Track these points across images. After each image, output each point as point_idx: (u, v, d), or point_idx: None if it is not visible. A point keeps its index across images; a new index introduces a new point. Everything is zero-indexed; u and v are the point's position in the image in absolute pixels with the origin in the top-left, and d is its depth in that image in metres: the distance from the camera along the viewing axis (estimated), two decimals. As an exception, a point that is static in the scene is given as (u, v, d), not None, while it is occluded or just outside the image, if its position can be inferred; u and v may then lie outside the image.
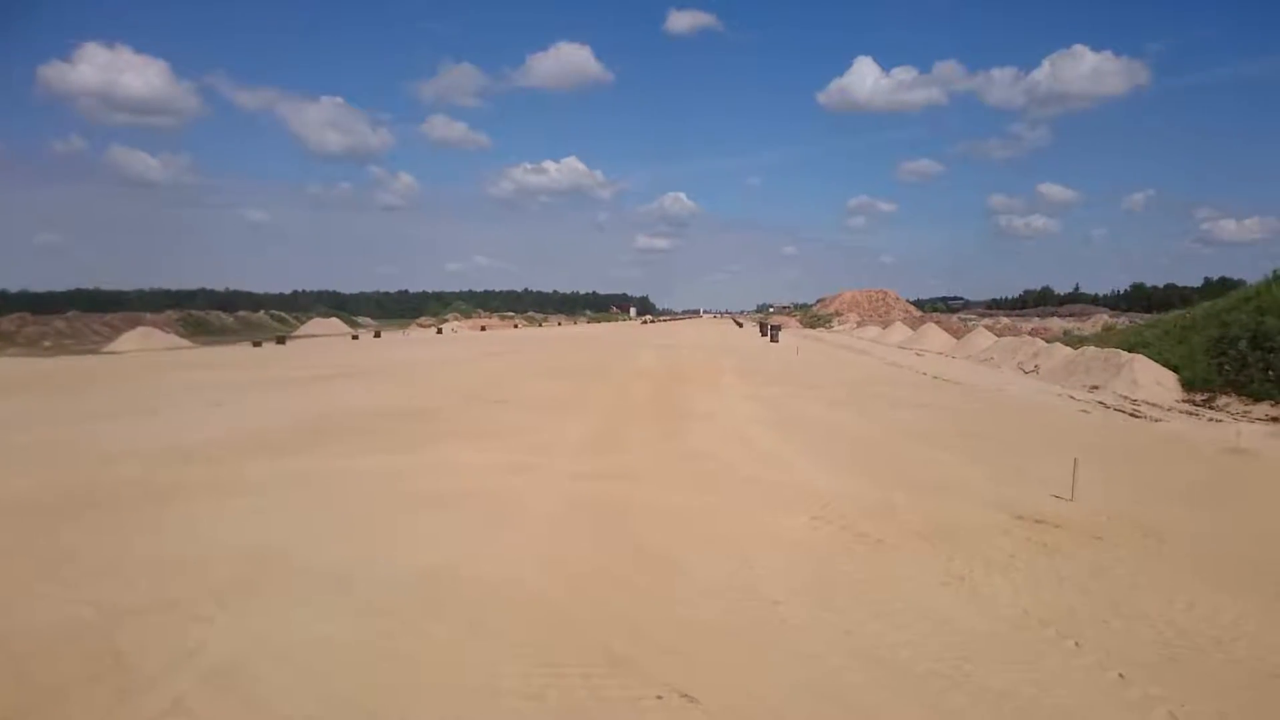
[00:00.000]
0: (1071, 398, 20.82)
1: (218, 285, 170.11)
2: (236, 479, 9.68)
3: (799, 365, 31.43)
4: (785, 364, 31.81)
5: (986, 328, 51.42)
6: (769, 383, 23.10)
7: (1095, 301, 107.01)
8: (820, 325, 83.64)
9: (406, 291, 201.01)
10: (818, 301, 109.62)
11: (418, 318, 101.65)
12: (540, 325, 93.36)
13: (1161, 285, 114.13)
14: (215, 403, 17.45)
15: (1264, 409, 18.23)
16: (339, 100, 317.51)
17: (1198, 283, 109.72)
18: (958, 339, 46.73)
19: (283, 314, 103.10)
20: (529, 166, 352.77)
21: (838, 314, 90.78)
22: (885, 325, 68.26)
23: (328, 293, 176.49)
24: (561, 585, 6.13)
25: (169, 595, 5.80)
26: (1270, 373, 19.61)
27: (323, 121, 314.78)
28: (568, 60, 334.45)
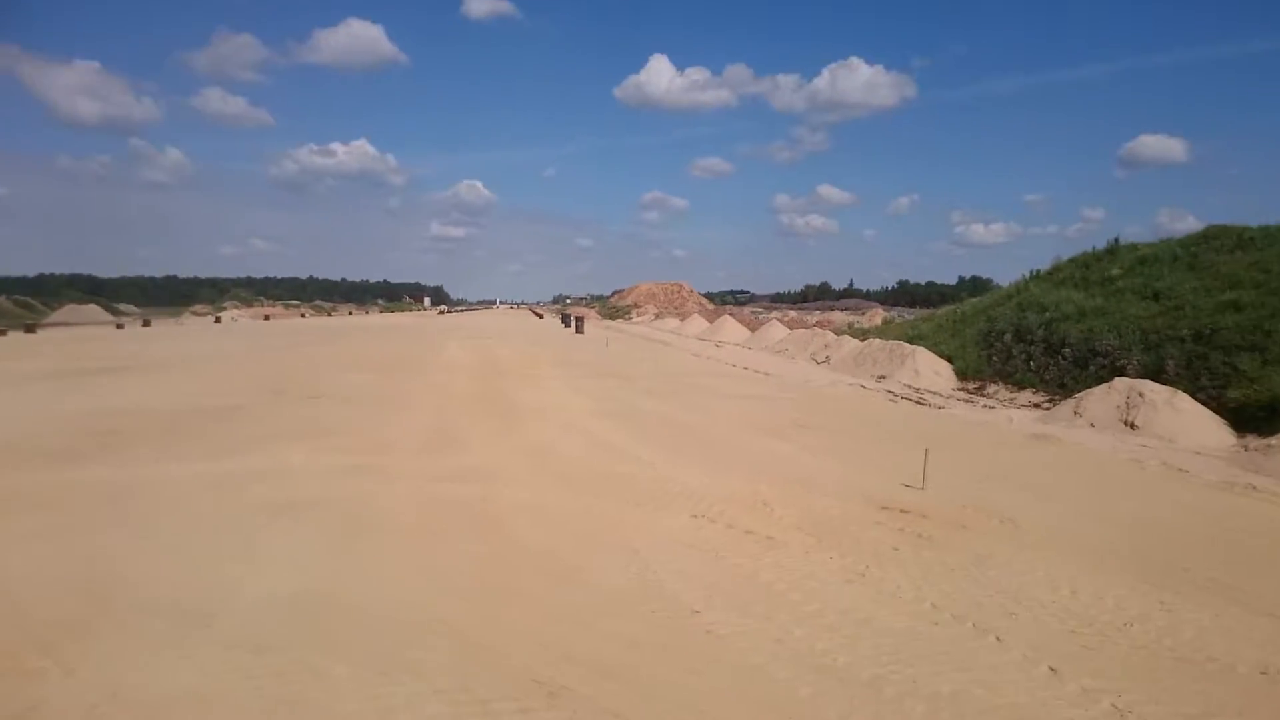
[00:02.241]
0: (863, 387, 22.20)
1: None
2: (13, 494, 8.25)
3: (611, 356, 31.50)
4: (597, 355, 31.77)
5: (777, 320, 53.99)
6: (588, 375, 22.97)
7: (868, 297, 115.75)
8: (619, 317, 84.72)
9: (175, 276, 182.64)
10: (614, 293, 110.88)
11: (190, 305, 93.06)
12: (330, 315, 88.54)
13: (924, 283, 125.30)
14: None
15: (1027, 396, 20.19)
16: (95, 65, 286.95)
17: (954, 280, 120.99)
18: (752, 331, 48.64)
19: (28, 299, 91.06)
20: (315, 148, 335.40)
21: (635, 306, 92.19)
22: (683, 317, 70.00)
23: (81, 276, 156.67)
24: (462, 606, 5.59)
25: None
26: (1031, 363, 21.80)
27: (75, 88, 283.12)
28: (358, 38, 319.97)
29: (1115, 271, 25.39)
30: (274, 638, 4.99)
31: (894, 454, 11.48)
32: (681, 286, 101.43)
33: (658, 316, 79.36)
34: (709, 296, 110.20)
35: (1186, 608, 5.90)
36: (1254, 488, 10.21)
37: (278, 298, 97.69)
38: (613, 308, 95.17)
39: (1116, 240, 28.90)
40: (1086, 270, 27.07)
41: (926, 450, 9.77)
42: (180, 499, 8.25)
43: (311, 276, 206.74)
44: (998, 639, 5.24)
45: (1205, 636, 5.39)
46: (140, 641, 4.89)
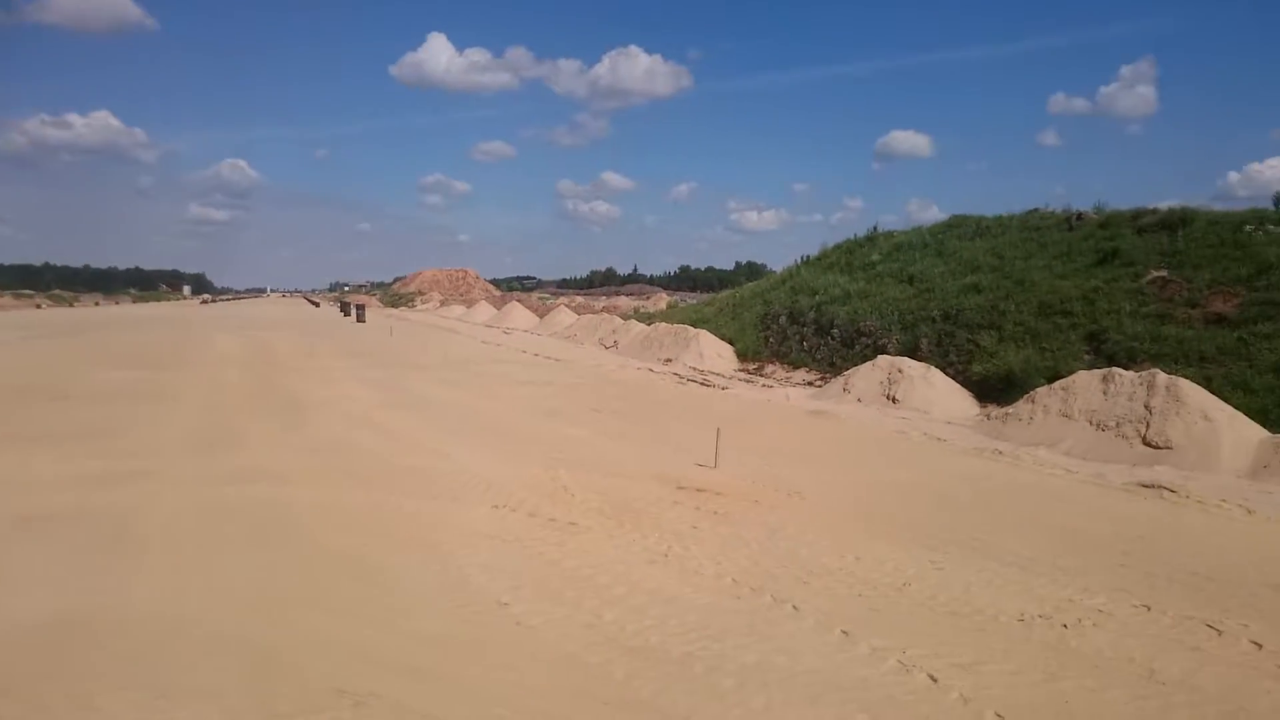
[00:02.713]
0: (651, 370, 22.79)
1: None
2: None
3: (397, 345, 30.56)
4: (381, 344, 30.67)
5: (565, 306, 54.27)
6: (373, 365, 22.12)
7: (651, 282, 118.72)
8: (402, 305, 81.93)
9: None
10: (396, 280, 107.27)
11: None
12: (72, 305, 79.36)
13: (704, 268, 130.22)
14: None
15: (802, 374, 21.55)
16: None
17: (732, 266, 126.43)
18: (541, 317, 48.64)
19: None
20: (48, 119, 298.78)
21: (420, 293, 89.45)
22: (469, 304, 68.75)
23: None
24: (255, 618, 5.14)
25: None
26: (804, 344, 23.24)
27: None
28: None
29: (875, 257, 27.52)
30: (17, 676, 4.35)
31: (686, 434, 11.82)
32: (467, 273, 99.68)
33: (443, 304, 77.56)
34: (495, 283, 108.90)
35: (954, 566, 6.46)
36: (1000, 453, 11.41)
37: (5, 286, 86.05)
38: (395, 295, 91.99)
39: (875, 228, 31.41)
40: (850, 256, 29.13)
41: (718, 430, 10.09)
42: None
43: (48, 263, 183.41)
44: (794, 608, 5.50)
45: (971, 591, 5.91)
46: None
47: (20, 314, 58.95)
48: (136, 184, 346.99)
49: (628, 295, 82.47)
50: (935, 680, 4.47)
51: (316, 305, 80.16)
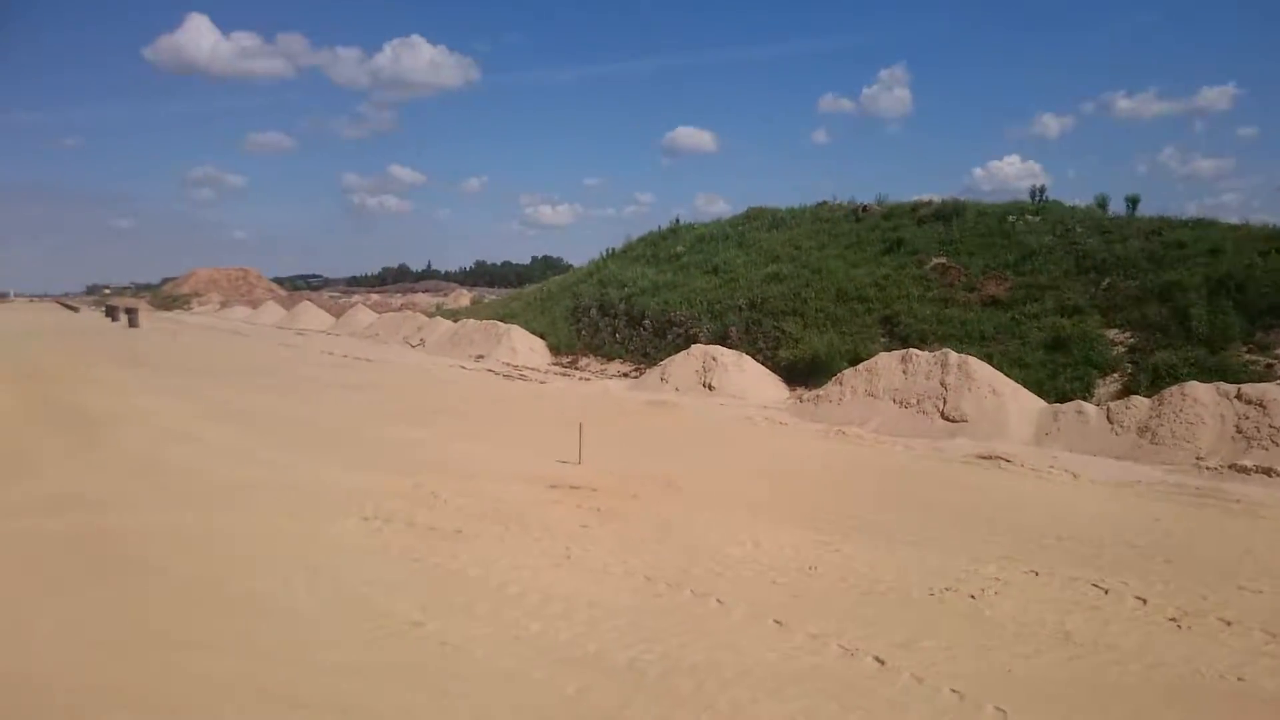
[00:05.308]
0: (463, 367, 22.26)
1: None
2: None
3: (185, 351, 28.22)
4: (166, 351, 28.06)
5: (362, 304, 52.23)
6: (165, 373, 20.21)
7: (447, 277, 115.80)
8: (177, 307, 75.40)
9: None
10: (166, 281, 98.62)
11: None
12: None
13: (500, 262, 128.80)
14: None
15: (616, 366, 21.84)
16: None
17: (528, 260, 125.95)
18: (337, 317, 46.52)
19: None
20: None
21: (196, 294, 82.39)
22: (254, 305, 64.52)
23: None
24: (124, 665, 4.48)
25: None
26: (617, 335, 23.57)
27: None
28: None
29: (680, 249, 28.42)
30: None
31: (532, 431, 11.70)
32: (247, 272, 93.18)
33: (224, 305, 72.13)
34: (279, 282, 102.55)
35: (848, 546, 6.68)
36: (843, 433, 12.04)
37: None
38: (168, 297, 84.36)
39: (678, 220, 32.47)
40: (655, 248, 29.91)
41: (581, 425, 9.97)
42: None
43: None
44: (719, 601, 5.49)
45: (877, 570, 6.14)
46: None
47: None
48: None
49: (425, 292, 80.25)
50: (882, 663, 4.58)
51: (75, 310, 72.25)
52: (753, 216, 29.08)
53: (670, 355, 19.03)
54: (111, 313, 56.63)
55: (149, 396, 15.71)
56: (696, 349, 18.44)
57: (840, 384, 14.15)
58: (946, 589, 5.75)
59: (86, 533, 7.00)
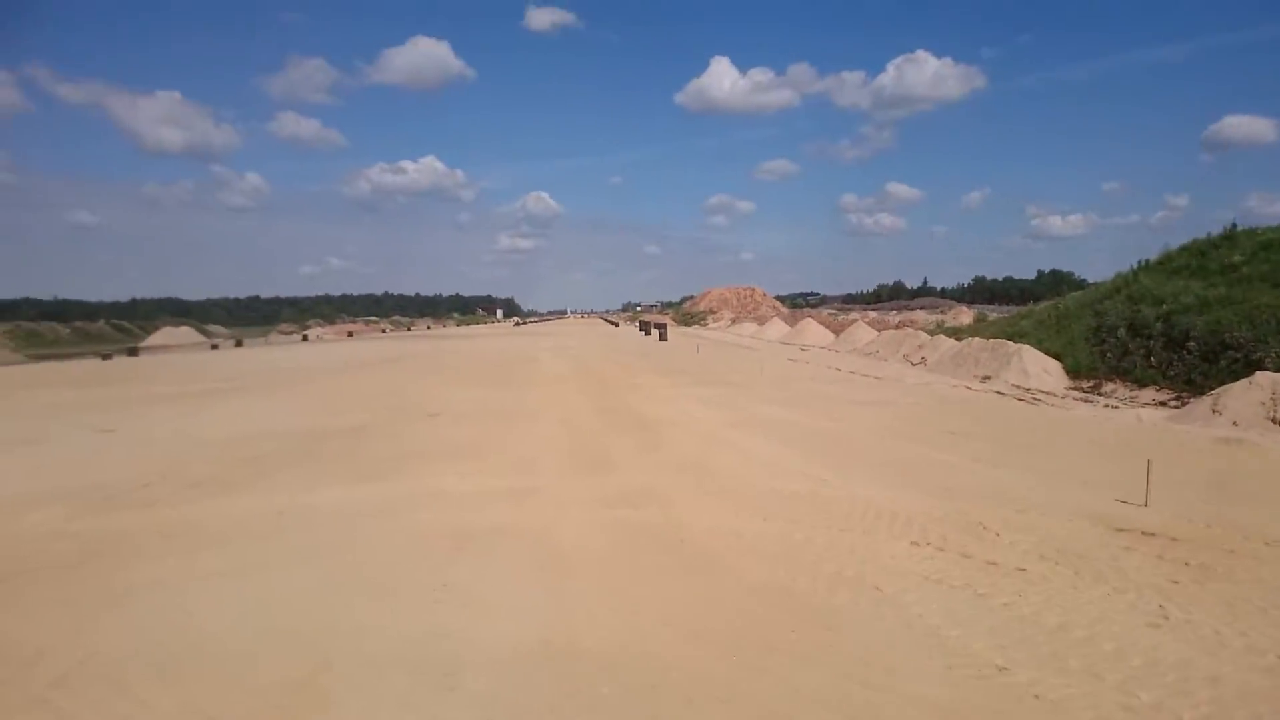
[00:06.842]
0: (968, 388, 21.15)
1: (44, 294, 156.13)
2: (182, 527, 8.02)
3: (708, 364, 30.71)
4: (692, 362, 31.09)
5: (861, 321, 52.85)
6: (696, 383, 22.29)
7: (942, 294, 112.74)
8: (694, 323, 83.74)
9: (258, 297, 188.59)
10: (685, 299, 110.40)
11: (275, 324, 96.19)
12: (409, 329, 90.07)
13: (1001, 278, 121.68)
14: (103, 428, 15.15)
15: (1150, 394, 19.09)
16: (176, 95, 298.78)
17: (1032, 275, 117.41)
18: (836, 334, 47.60)
19: (124, 323, 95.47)
20: (386, 166, 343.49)
21: (710, 311, 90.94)
22: (760, 321, 68.92)
23: (170, 300, 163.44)
24: (717, 658, 4.92)
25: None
26: (1151, 359, 20.68)
27: (158, 117, 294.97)
28: (425, 56, 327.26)
29: (1238, 258, 24.07)
30: (534, 702, 4.44)
31: (1067, 463, 10.63)
32: (754, 290, 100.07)
33: (734, 321, 78.32)
34: (780, 299, 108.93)
35: None
36: None
37: (356, 314, 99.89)
38: (687, 314, 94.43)
39: (1234, 225, 27.47)
40: (1203, 258, 25.65)
41: (1149, 461, 8.78)
42: (348, 529, 7.89)
43: (387, 292, 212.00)
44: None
45: None
46: (384, 709, 4.40)
47: (377, 343, 66.99)
48: (456, 220, 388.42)
49: (921, 309, 78.89)
50: None
51: (616, 325, 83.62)
52: (1341, 216, 23.50)
53: (1224, 383, 16.12)
54: (645, 327, 64.75)
55: (687, 404, 17.48)
56: (1263, 377, 15.38)
57: None
58: None
59: (662, 526, 7.87)
